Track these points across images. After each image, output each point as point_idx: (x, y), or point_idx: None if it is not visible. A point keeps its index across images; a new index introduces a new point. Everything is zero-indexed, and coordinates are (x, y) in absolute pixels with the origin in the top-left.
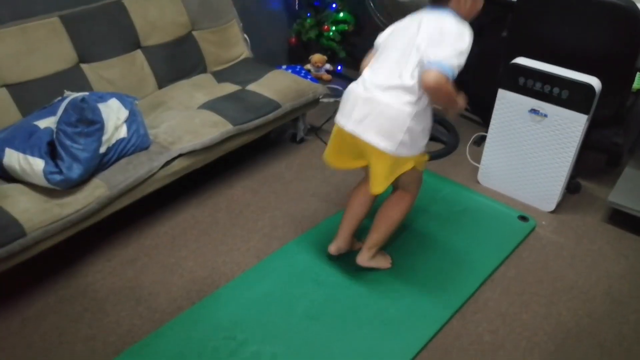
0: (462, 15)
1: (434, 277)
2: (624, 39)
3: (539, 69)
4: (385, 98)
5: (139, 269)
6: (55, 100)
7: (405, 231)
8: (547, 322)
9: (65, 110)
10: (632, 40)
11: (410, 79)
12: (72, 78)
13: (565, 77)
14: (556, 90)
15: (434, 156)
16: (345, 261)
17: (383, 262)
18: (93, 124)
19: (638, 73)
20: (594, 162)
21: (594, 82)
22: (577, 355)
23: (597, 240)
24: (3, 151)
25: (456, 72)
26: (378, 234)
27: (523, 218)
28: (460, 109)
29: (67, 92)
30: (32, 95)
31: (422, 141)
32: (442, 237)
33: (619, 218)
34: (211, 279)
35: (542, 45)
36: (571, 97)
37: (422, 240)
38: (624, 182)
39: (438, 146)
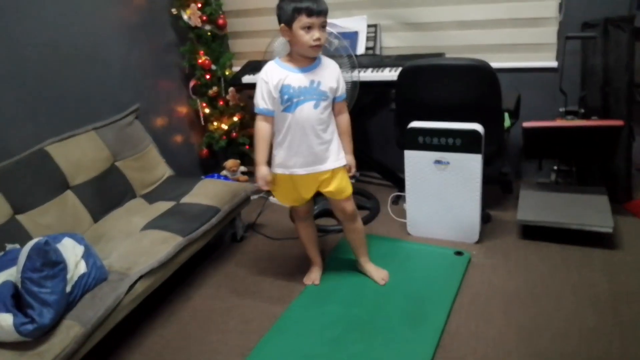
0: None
1: (406, 321)
2: (487, 90)
3: (433, 127)
4: None
5: None
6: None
7: (365, 287)
8: (511, 329)
9: (29, 257)
10: (493, 90)
11: None
12: (10, 230)
13: (456, 128)
14: (450, 140)
15: (363, 222)
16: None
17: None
18: (57, 265)
19: (505, 114)
20: (492, 194)
21: (478, 127)
22: (546, 345)
23: (521, 254)
24: None
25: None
26: (364, 243)
27: (458, 253)
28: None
29: (8, 246)
30: None
31: None
32: (398, 285)
33: (529, 232)
34: None
35: (426, 107)
36: (464, 143)
37: (383, 292)
38: (524, 201)
39: (364, 213)
